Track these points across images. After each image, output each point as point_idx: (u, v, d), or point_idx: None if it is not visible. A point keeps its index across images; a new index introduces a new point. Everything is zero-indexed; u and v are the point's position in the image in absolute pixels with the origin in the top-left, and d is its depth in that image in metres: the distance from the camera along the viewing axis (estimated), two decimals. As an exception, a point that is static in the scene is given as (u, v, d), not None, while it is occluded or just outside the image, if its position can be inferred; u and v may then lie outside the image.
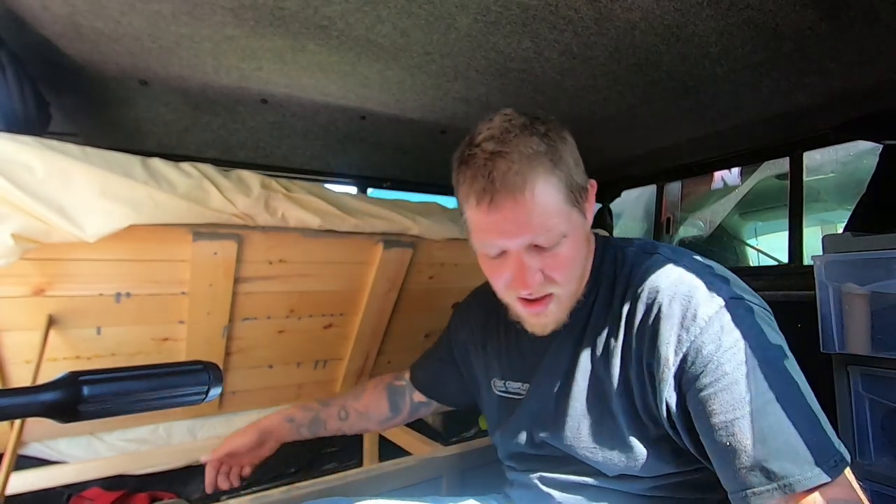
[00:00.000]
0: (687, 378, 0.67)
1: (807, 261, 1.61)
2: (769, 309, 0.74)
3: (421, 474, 1.25)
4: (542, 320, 0.80)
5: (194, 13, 0.94)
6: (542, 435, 0.86)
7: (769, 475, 0.59)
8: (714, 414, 0.64)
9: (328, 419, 1.13)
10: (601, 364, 0.78)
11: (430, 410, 1.18)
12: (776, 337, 0.68)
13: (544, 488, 0.87)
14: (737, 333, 0.65)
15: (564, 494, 0.84)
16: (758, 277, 1.73)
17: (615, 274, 0.81)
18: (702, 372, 0.65)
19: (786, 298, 1.52)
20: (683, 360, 0.67)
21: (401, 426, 1.54)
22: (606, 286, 0.81)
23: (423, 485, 1.25)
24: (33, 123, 1.08)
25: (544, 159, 0.71)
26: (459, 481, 1.31)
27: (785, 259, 1.73)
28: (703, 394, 0.65)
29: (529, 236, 0.71)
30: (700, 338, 0.66)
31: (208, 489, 1.10)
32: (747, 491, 0.60)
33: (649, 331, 0.71)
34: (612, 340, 0.77)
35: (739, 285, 0.73)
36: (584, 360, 0.80)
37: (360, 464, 1.96)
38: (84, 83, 1.19)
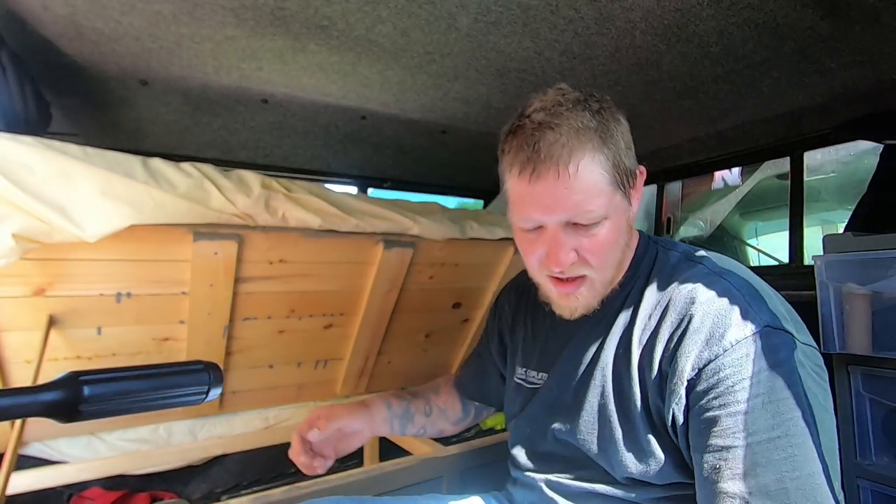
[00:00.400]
0: (696, 393, 0.65)
1: (807, 261, 1.61)
2: (815, 346, 0.71)
3: (421, 474, 1.25)
4: (571, 303, 0.77)
5: (195, 13, 0.94)
6: (556, 427, 0.84)
7: None
8: (714, 435, 0.62)
9: (416, 413, 1.05)
10: (623, 362, 0.77)
11: (489, 413, 1.12)
12: (811, 380, 0.64)
13: (549, 493, 0.85)
14: (762, 363, 0.62)
15: (570, 502, 0.82)
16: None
17: (653, 275, 0.78)
18: (714, 392, 0.64)
19: (786, 298, 1.51)
20: (698, 375, 0.65)
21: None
22: (641, 285, 0.79)
23: (424, 485, 1.25)
24: (34, 123, 1.08)
25: (593, 135, 0.68)
26: (460, 481, 1.31)
27: (786, 259, 1.73)
28: (709, 413, 0.63)
29: (568, 213, 0.69)
30: (722, 359, 0.64)
31: (307, 470, 0.92)
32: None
33: (675, 341, 0.69)
34: (638, 341, 0.75)
35: (782, 313, 0.69)
36: (607, 355, 0.79)
37: (360, 464, 1.96)
38: (85, 83, 1.19)
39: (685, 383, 0.67)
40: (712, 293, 0.69)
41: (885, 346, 1.16)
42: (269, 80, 1.21)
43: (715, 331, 0.66)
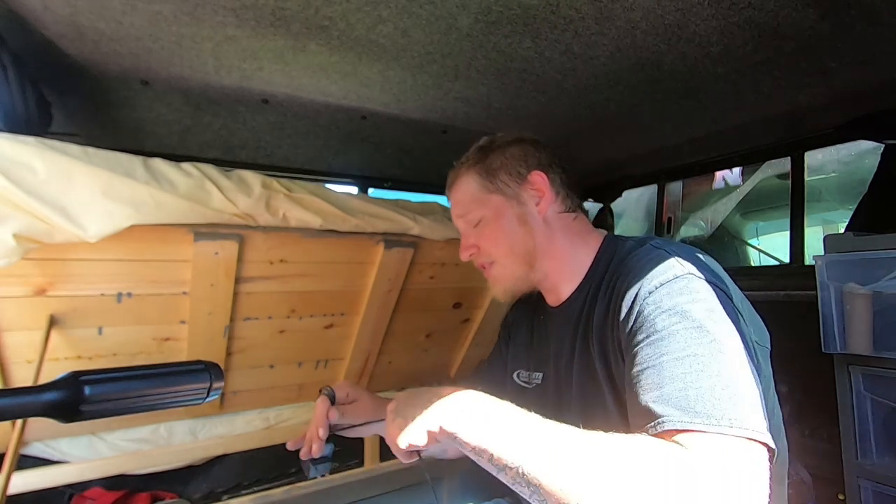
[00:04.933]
0: (627, 337, 0.70)
1: (808, 261, 1.61)
2: (738, 297, 0.75)
3: (422, 475, 1.25)
4: (494, 285, 0.95)
5: (195, 13, 0.94)
6: None
7: (652, 415, 0.60)
8: (636, 364, 0.65)
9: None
10: (593, 350, 0.80)
11: None
12: (731, 318, 0.67)
13: None
14: (681, 299, 0.66)
15: None
16: (759, 277, 1.72)
17: (611, 266, 0.84)
18: (639, 329, 0.67)
19: (787, 298, 1.51)
20: (629, 321, 0.70)
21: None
22: (600, 277, 0.85)
23: (424, 485, 1.25)
24: (35, 124, 1.08)
25: (471, 163, 0.94)
26: (460, 482, 1.31)
27: (786, 259, 1.73)
28: (634, 349, 0.67)
29: (456, 215, 0.96)
30: (646, 300, 0.69)
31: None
32: (634, 430, 0.62)
33: (618, 304, 0.74)
34: (599, 326, 0.79)
35: (710, 270, 0.73)
36: (579, 347, 0.83)
37: (360, 464, 1.96)
38: (85, 83, 1.19)
39: (625, 335, 0.70)
40: (647, 259, 0.75)
41: (886, 346, 1.16)
42: (270, 80, 1.22)
43: (644, 282, 0.71)
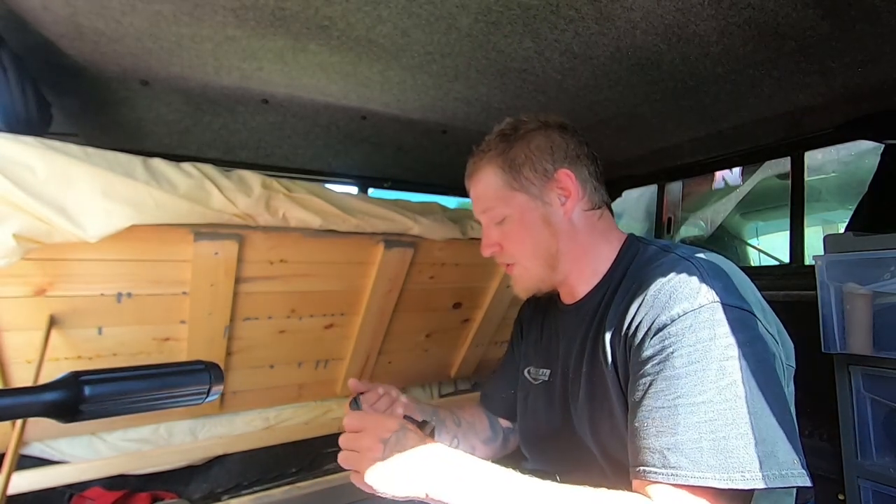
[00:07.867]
0: (643, 360, 0.69)
1: (808, 261, 1.61)
2: (766, 317, 0.73)
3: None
4: (514, 284, 0.94)
5: (195, 13, 0.94)
6: (557, 419, 0.88)
7: (665, 462, 0.61)
8: (647, 396, 0.66)
9: (446, 419, 1.06)
10: (600, 349, 0.80)
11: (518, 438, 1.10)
12: (755, 349, 0.66)
13: None
14: (703, 334, 0.65)
15: None
16: (759, 277, 1.71)
17: (631, 268, 0.83)
18: (655, 357, 0.67)
19: (787, 298, 1.51)
20: (646, 343, 0.69)
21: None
22: (619, 278, 0.84)
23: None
24: (35, 124, 1.08)
25: (493, 153, 0.90)
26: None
27: (786, 259, 1.73)
28: (647, 377, 0.67)
29: (478, 210, 0.93)
30: (667, 328, 0.67)
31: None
32: (643, 468, 0.63)
33: (637, 319, 0.73)
34: (613, 330, 0.78)
35: (736, 292, 0.71)
36: (590, 347, 0.83)
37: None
38: (85, 84, 1.19)
39: (639, 353, 0.70)
40: (672, 272, 0.73)
41: (886, 345, 1.16)
42: (270, 80, 1.22)
43: (666, 304, 0.69)
